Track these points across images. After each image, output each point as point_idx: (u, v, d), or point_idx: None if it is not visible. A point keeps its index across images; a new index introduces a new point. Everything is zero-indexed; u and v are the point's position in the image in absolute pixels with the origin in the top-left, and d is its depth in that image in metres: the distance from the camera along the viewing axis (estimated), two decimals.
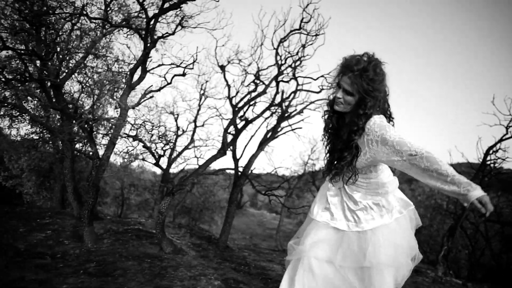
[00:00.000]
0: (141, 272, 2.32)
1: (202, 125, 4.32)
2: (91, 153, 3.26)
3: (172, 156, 3.53)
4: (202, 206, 10.63)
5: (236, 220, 10.78)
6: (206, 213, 10.90)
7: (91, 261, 2.45)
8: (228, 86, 4.21)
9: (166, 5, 2.93)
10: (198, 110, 4.20)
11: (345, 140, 1.33)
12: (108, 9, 3.16)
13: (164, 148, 3.11)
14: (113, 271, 2.25)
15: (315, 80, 3.80)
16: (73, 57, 3.51)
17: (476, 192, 1.19)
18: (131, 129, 2.91)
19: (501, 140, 7.36)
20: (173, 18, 3.20)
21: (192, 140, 3.67)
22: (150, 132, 2.93)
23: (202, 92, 4.30)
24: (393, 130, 1.26)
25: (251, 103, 3.80)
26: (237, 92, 4.28)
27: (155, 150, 3.03)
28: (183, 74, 3.27)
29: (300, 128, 4.42)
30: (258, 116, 3.92)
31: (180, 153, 3.60)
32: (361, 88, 1.24)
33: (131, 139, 2.98)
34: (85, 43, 3.36)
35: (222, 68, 4.14)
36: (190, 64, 3.24)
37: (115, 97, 3.34)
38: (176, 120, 4.06)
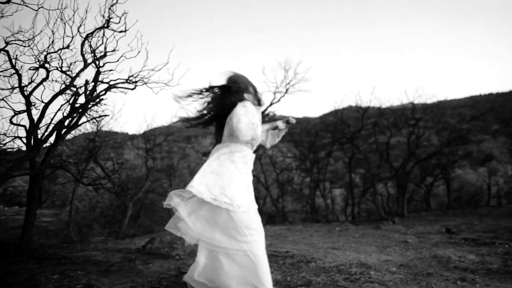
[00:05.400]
0: None
1: None
2: None
3: None
4: None
5: None
6: None
7: None
8: (18, 73, 4.37)
9: None
10: None
11: None
12: None
13: None
14: None
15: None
16: None
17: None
18: None
19: (270, 104, 11.22)
20: None
21: None
22: None
23: None
24: None
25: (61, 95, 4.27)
26: (31, 82, 4.53)
27: None
28: None
29: (107, 115, 5.35)
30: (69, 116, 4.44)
31: None
32: None
33: None
34: None
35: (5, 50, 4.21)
36: None
37: None
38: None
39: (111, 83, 4.80)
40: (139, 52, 4.35)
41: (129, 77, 4.89)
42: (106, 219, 13.97)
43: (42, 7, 3.78)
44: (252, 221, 2.18)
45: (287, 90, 9.77)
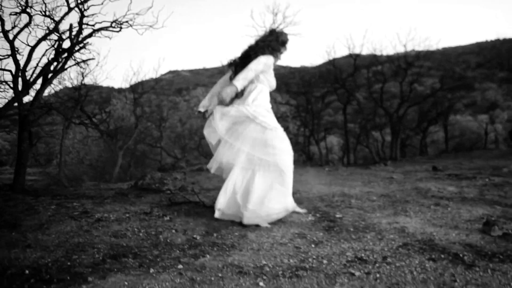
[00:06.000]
0: None
1: None
2: None
3: None
4: None
5: None
6: None
7: None
8: (1, 18, 4.34)
9: None
10: None
11: None
12: None
13: None
14: None
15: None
16: None
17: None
18: None
19: None
20: None
21: None
22: None
23: None
24: None
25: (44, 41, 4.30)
26: (14, 26, 4.51)
27: None
28: None
29: (93, 58, 5.42)
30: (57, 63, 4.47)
31: None
32: None
33: None
34: None
35: None
36: None
37: None
38: None
39: (96, 26, 4.81)
40: None
41: (113, 21, 4.88)
42: (95, 171, 14.19)
43: None
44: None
45: None
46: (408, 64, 11.15)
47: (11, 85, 4.66)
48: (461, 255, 2.31)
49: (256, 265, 2.19)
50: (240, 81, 2.82)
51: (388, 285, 1.92)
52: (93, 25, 4.81)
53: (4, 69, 4.67)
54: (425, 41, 11.61)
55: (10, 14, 4.54)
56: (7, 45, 4.56)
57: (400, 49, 11.84)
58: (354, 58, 11.54)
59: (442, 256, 2.31)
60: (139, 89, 12.92)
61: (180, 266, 2.15)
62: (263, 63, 2.96)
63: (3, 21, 4.47)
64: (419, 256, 2.32)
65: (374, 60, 12.31)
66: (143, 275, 2.01)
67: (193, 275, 2.01)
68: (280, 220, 3.08)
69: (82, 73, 10.73)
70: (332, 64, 12.07)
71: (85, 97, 11.87)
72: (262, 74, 3.02)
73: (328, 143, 19.45)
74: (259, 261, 2.24)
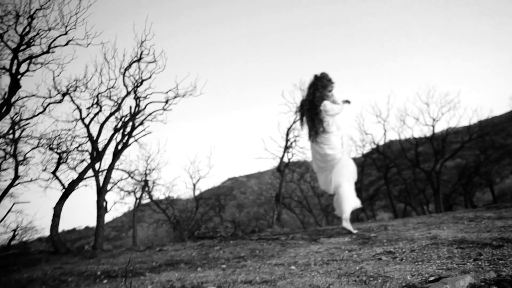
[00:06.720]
0: None
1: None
2: None
3: None
4: None
5: None
6: None
7: None
8: (79, 109, 5.45)
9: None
10: None
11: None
12: None
13: None
14: None
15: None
16: None
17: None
18: None
19: (294, 122, 11.69)
20: None
21: None
22: None
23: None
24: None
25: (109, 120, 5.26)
26: (88, 113, 5.58)
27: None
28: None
29: (150, 133, 6.20)
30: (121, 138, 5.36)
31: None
32: None
33: None
34: None
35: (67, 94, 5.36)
36: None
37: None
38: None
39: (147, 99, 5.73)
40: (164, 66, 5.22)
41: (164, 105, 5.82)
42: None
43: (90, 43, 4.74)
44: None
45: None
46: (434, 120, 11.12)
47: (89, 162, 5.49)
48: (489, 243, 2.24)
49: (290, 262, 2.29)
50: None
51: (412, 262, 1.94)
52: (145, 97, 5.64)
53: (83, 150, 5.63)
54: (445, 96, 11.56)
55: (87, 108, 5.62)
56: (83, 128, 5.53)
57: (423, 107, 11.86)
58: (382, 123, 11.65)
59: (471, 245, 2.26)
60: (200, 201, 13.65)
61: (223, 266, 2.32)
62: (329, 108, 3.63)
63: (80, 111, 5.51)
64: (447, 247, 2.28)
65: (410, 143, 12.26)
66: (191, 271, 2.21)
67: (234, 270, 2.17)
68: (319, 242, 3.15)
69: (146, 161, 11.69)
70: (365, 132, 12.22)
71: (153, 185, 12.70)
72: (331, 118, 3.68)
73: (381, 219, 18.45)
74: (294, 261, 2.34)
